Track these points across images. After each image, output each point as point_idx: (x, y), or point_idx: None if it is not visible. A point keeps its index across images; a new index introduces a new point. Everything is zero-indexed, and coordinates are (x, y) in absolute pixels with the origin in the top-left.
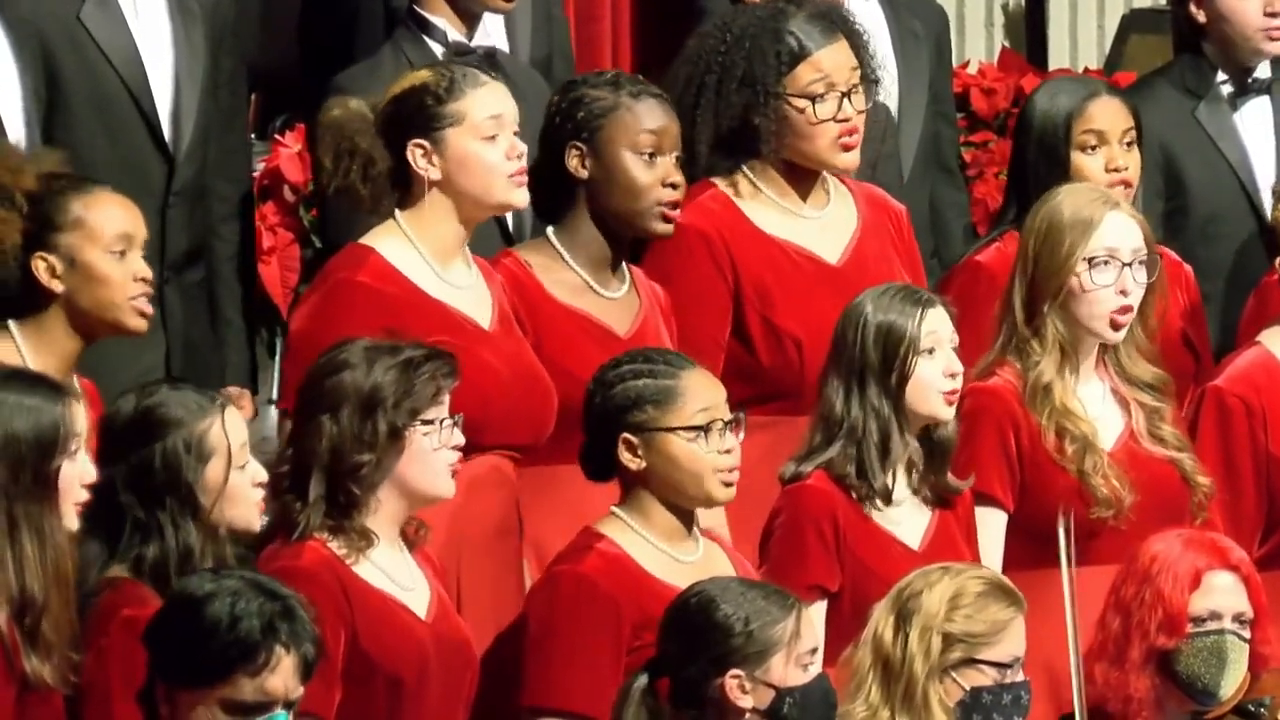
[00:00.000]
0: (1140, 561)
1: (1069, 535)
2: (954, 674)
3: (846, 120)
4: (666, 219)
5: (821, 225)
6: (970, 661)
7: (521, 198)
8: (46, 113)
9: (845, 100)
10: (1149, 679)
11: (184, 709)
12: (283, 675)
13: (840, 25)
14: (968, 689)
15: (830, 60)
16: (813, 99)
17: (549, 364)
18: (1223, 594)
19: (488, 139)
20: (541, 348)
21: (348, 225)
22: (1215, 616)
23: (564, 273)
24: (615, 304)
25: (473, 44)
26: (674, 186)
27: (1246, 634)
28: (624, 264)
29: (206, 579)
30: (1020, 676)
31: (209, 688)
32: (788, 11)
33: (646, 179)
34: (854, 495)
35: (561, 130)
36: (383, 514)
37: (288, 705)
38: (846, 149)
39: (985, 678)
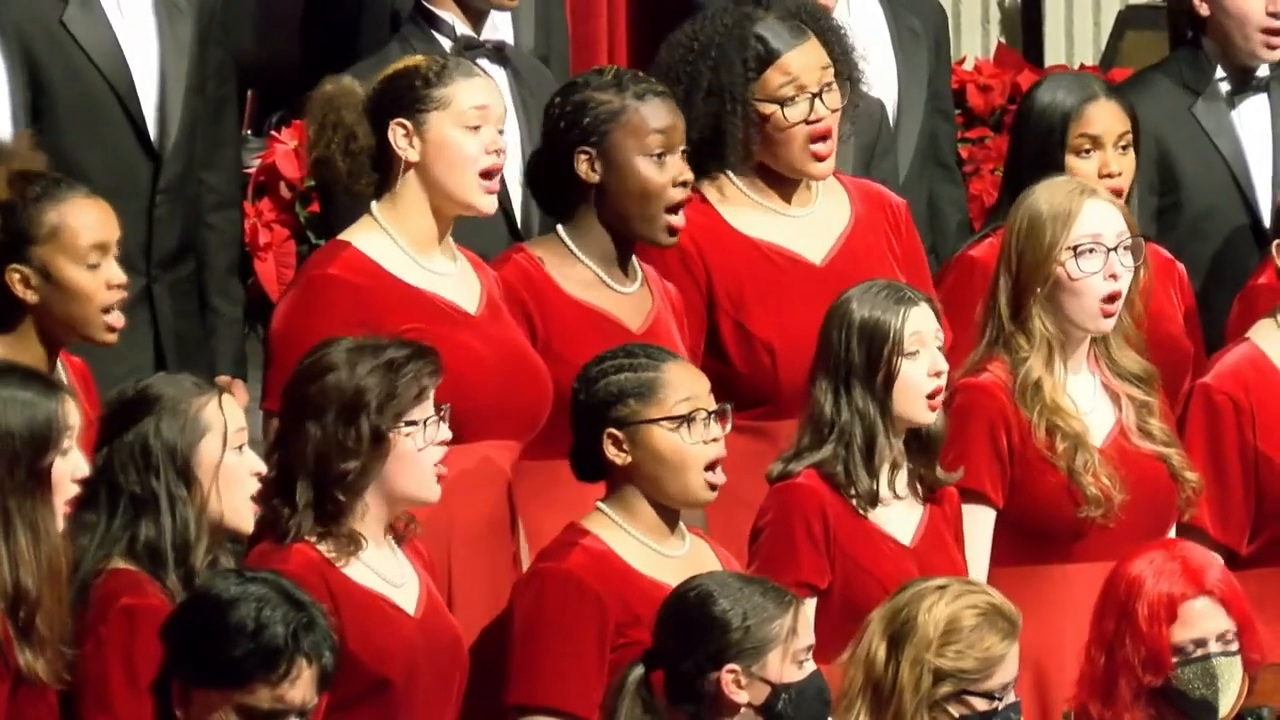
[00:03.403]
0: (1117, 590)
1: None
2: (944, 705)
3: (818, 121)
4: (672, 229)
5: (807, 224)
6: (961, 694)
7: (487, 204)
8: (32, 118)
9: (816, 101)
10: (1142, 712)
11: (198, 709)
12: (301, 687)
13: (810, 24)
14: (957, 717)
15: (799, 62)
16: (781, 103)
17: (560, 358)
18: (1202, 620)
19: (470, 128)
20: (552, 342)
21: (349, 221)
22: (1199, 644)
23: (576, 268)
24: (628, 299)
25: (481, 38)
26: (684, 184)
27: (1234, 647)
28: (635, 261)
29: (232, 581)
30: (1011, 698)
31: (225, 691)
32: (754, 16)
33: (659, 180)
34: (844, 494)
35: (568, 134)
36: (370, 516)
37: (302, 714)
38: (819, 158)
39: (974, 709)
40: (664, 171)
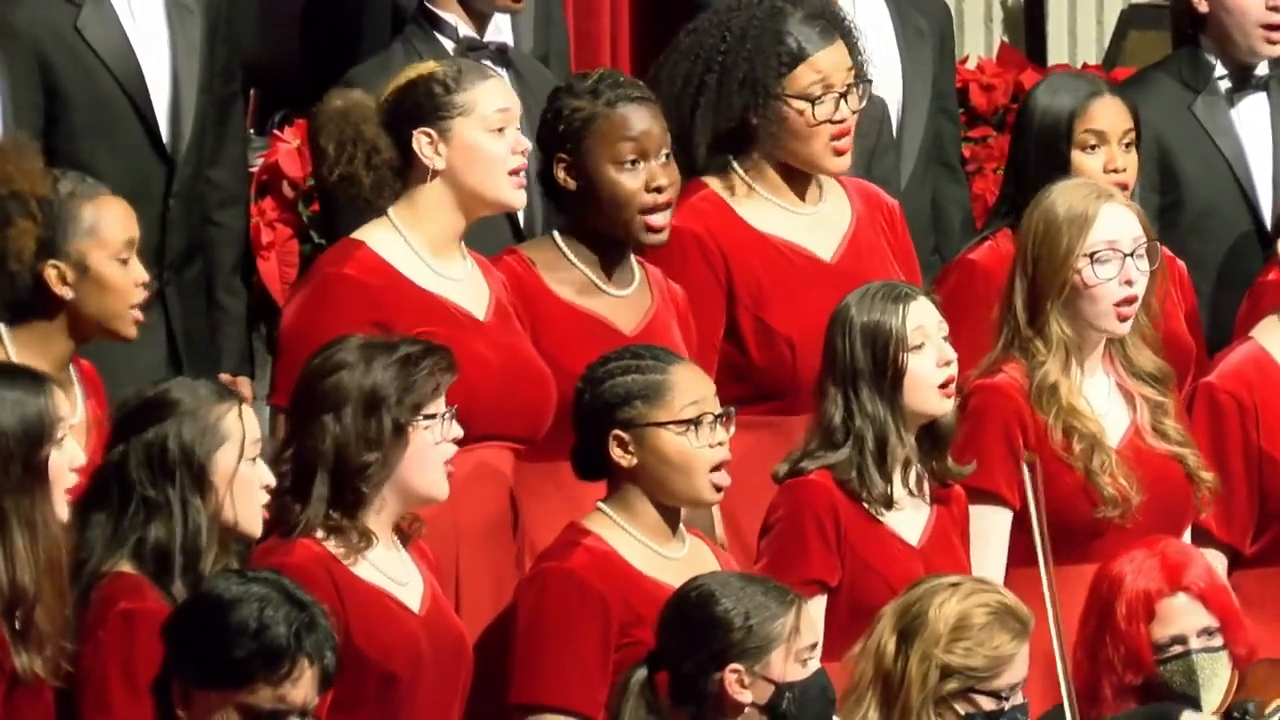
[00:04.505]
0: (1099, 591)
1: (1036, 481)
2: (951, 702)
3: (841, 121)
4: (652, 229)
5: (815, 221)
6: (969, 691)
7: (519, 199)
8: (47, 125)
9: (841, 101)
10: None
11: (199, 709)
12: (303, 687)
13: (836, 25)
14: (963, 715)
15: (828, 62)
16: (811, 101)
17: (549, 362)
18: (1180, 617)
19: (495, 131)
20: (541, 345)
21: (351, 221)
22: (1179, 640)
23: (568, 271)
24: (622, 302)
25: (484, 39)
26: (659, 190)
27: (1217, 642)
28: (633, 261)
29: (234, 581)
30: (1019, 699)
31: (227, 691)
32: (786, 11)
33: (630, 186)
34: (857, 498)
35: (549, 140)
36: (384, 512)
37: (303, 714)
38: (839, 153)
39: (980, 708)
40: (635, 178)
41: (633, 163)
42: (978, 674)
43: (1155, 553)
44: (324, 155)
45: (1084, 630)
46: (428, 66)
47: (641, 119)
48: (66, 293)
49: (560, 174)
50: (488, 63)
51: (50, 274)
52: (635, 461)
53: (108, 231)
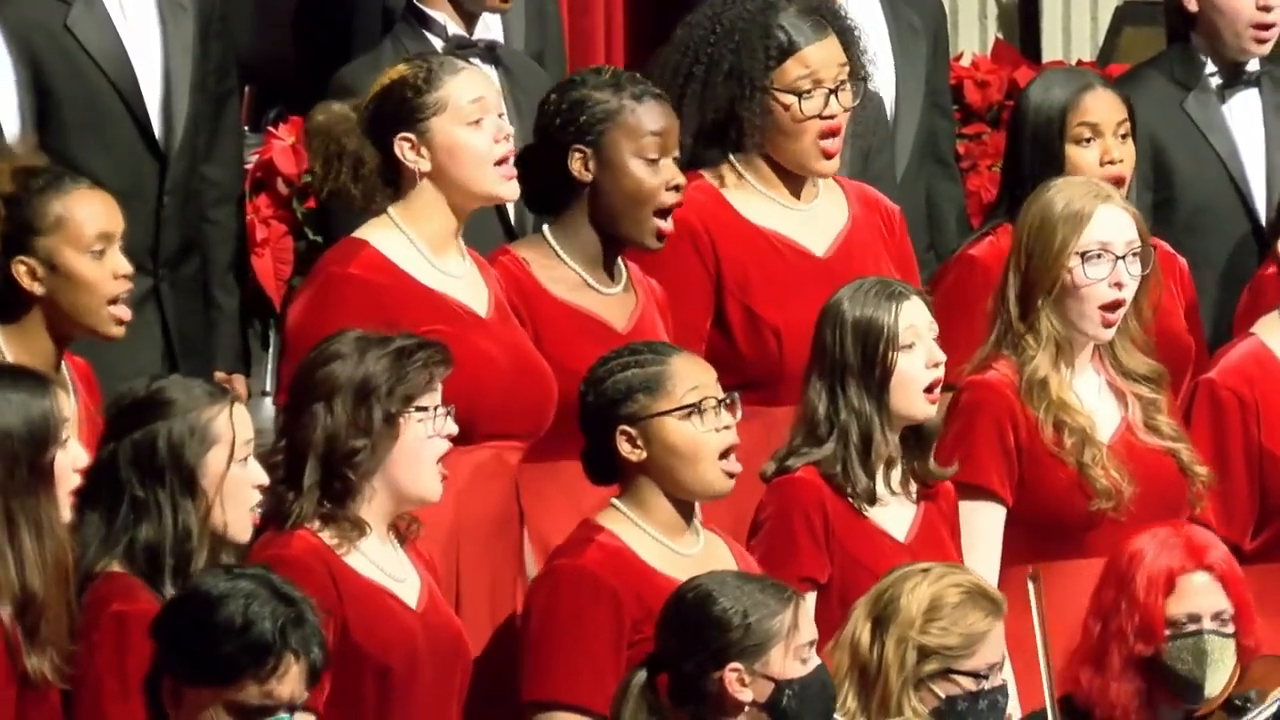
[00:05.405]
0: (1119, 563)
1: (1039, 595)
2: (930, 684)
3: (831, 118)
4: (661, 234)
5: (809, 218)
6: (946, 672)
7: (510, 190)
8: (38, 122)
9: (831, 97)
10: (1131, 684)
11: (188, 706)
12: (290, 683)
13: (831, 21)
14: (943, 697)
15: (818, 56)
16: (799, 95)
17: (548, 360)
18: (1198, 595)
19: (472, 124)
20: (540, 344)
21: (348, 219)
22: (1193, 619)
23: (561, 269)
24: (613, 300)
25: (473, 37)
26: (676, 189)
27: (1229, 629)
28: (621, 261)
29: (221, 577)
30: (998, 680)
31: (215, 688)
32: (778, 5)
33: (652, 182)
34: (842, 493)
35: (563, 132)
36: (375, 506)
37: (291, 710)
38: (827, 155)
39: (961, 687)
40: (657, 174)
41: (653, 159)
42: (954, 652)
43: (1179, 533)
44: (313, 173)
45: (1099, 600)
46: (398, 70)
47: (663, 116)
48: (37, 289)
49: (576, 166)
50: (477, 60)
51: (19, 270)
52: (644, 455)
53: (76, 226)
